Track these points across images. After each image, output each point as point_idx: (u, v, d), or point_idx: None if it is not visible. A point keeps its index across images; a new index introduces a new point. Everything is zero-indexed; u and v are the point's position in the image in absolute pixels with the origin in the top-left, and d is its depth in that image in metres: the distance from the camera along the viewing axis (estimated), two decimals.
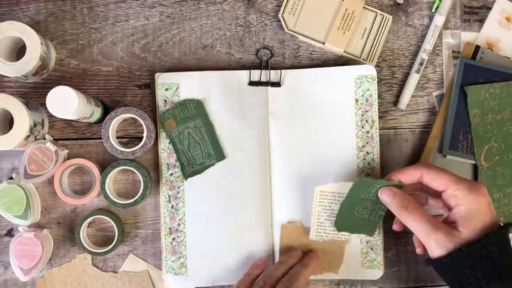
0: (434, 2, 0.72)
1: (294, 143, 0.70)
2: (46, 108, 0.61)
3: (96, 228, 0.70)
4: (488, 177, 0.68)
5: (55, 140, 0.70)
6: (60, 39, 0.71)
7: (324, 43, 0.70)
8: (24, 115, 0.63)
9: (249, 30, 0.72)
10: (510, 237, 0.57)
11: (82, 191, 0.71)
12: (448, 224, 0.57)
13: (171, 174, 0.69)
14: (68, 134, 0.71)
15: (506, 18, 0.72)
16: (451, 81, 0.71)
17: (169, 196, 0.69)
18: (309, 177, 0.69)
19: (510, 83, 0.68)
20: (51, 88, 0.61)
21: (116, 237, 0.68)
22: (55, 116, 0.61)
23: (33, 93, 0.70)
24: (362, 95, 0.70)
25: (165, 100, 0.69)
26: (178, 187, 0.69)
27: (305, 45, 0.72)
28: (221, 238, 0.69)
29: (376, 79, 0.70)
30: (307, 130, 0.70)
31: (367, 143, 0.70)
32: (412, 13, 0.72)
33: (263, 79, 0.70)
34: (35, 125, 0.65)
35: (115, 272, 0.70)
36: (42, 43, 0.64)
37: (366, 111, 0.70)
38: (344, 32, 0.70)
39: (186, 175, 0.69)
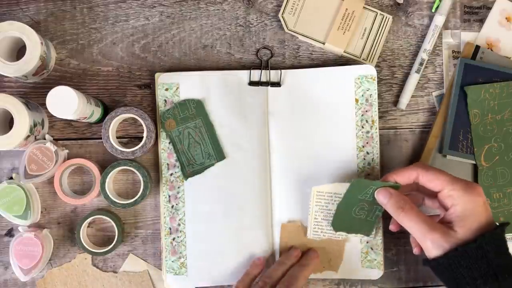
0: (434, 2, 0.72)
1: (294, 143, 0.70)
2: (46, 108, 0.61)
3: (96, 228, 0.70)
4: (488, 177, 0.68)
5: (55, 140, 0.70)
6: (60, 39, 0.71)
7: (324, 43, 0.70)
8: (24, 115, 0.63)
9: (249, 30, 0.72)
10: (506, 236, 0.57)
11: (82, 191, 0.71)
12: (444, 224, 0.57)
13: (171, 174, 0.69)
14: (68, 134, 0.71)
15: (506, 18, 0.72)
16: (451, 81, 0.71)
17: (169, 196, 0.69)
18: (309, 177, 0.69)
19: (510, 83, 0.68)
20: (51, 88, 0.61)
21: (116, 237, 0.68)
22: (55, 116, 0.61)
23: (33, 93, 0.70)
24: (362, 95, 0.70)
25: (165, 100, 0.69)
26: (178, 187, 0.69)
27: (305, 45, 0.72)
28: (221, 238, 0.69)
29: (376, 79, 0.70)
30: (307, 130, 0.70)
31: (367, 143, 0.70)
32: (412, 13, 0.72)
33: (263, 79, 0.70)
34: (35, 125, 0.65)
35: (115, 272, 0.70)
36: (42, 43, 0.64)
37: (366, 111, 0.70)
38: (344, 32, 0.70)
39: (186, 175, 0.69)
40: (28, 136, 0.64)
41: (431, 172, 0.59)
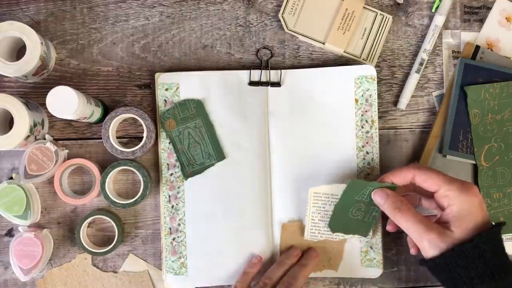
0: (434, 2, 0.72)
1: (294, 143, 0.70)
2: (46, 108, 0.61)
3: (96, 228, 0.70)
4: (488, 177, 0.68)
5: (55, 140, 0.70)
6: (60, 39, 0.71)
7: (324, 43, 0.70)
8: (24, 115, 0.63)
9: (249, 30, 0.72)
10: (503, 236, 0.57)
11: (82, 191, 0.71)
12: (440, 224, 0.57)
13: (171, 174, 0.69)
14: (68, 134, 0.71)
15: (506, 18, 0.72)
16: (451, 81, 0.71)
17: (169, 196, 0.69)
18: (308, 176, 0.69)
19: (510, 83, 0.68)
20: (51, 88, 0.61)
21: (116, 237, 0.68)
22: (55, 116, 0.61)
23: (33, 93, 0.70)
24: (362, 95, 0.70)
25: (165, 100, 0.69)
26: (178, 187, 0.69)
27: (305, 45, 0.72)
28: (221, 238, 0.69)
29: (376, 79, 0.70)
30: (307, 130, 0.70)
31: (366, 143, 0.70)
32: (412, 13, 0.72)
33: (263, 79, 0.70)
34: (35, 125, 0.65)
35: (115, 272, 0.70)
36: (42, 43, 0.64)
37: (366, 111, 0.70)
38: (344, 32, 0.70)
39: (186, 175, 0.69)
40: (28, 136, 0.64)
41: (426, 172, 0.59)
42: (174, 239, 0.69)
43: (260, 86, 0.70)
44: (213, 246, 0.69)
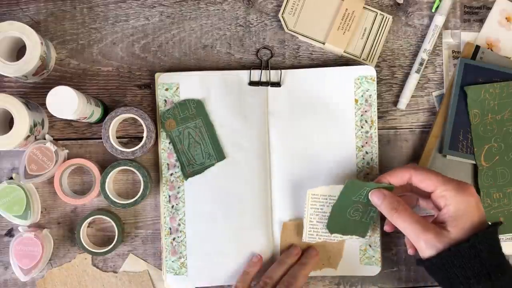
0: (434, 2, 0.72)
1: (294, 143, 0.70)
2: (46, 108, 0.61)
3: (96, 228, 0.70)
4: (488, 177, 0.68)
5: (55, 140, 0.70)
6: (60, 39, 0.71)
7: (324, 43, 0.70)
8: (24, 115, 0.63)
9: (249, 30, 0.72)
10: (502, 236, 0.57)
11: (82, 191, 0.71)
12: (437, 224, 0.57)
13: (171, 174, 0.69)
14: (68, 134, 0.71)
15: (506, 18, 0.72)
16: (451, 81, 0.71)
17: (169, 196, 0.69)
18: (308, 176, 0.69)
19: (510, 83, 0.68)
20: (51, 88, 0.61)
21: (116, 237, 0.68)
22: (55, 116, 0.61)
23: (33, 93, 0.70)
24: (362, 96, 0.70)
25: (165, 100, 0.69)
26: (178, 187, 0.69)
27: (305, 45, 0.72)
28: (221, 238, 0.69)
29: (375, 79, 0.70)
30: (307, 129, 0.70)
31: (366, 143, 0.70)
32: (412, 13, 0.72)
33: (263, 79, 0.70)
34: (35, 125, 0.65)
35: (115, 272, 0.70)
36: (42, 43, 0.64)
37: (366, 111, 0.70)
38: (344, 32, 0.70)
39: (186, 175, 0.69)
40: (28, 136, 0.64)
41: (423, 172, 0.59)
42: (174, 239, 0.69)
43: (260, 86, 0.70)
44: (213, 246, 0.69)
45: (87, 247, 0.68)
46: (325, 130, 0.70)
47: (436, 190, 0.58)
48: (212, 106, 0.69)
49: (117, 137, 0.70)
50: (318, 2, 0.70)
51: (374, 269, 0.70)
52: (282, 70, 0.70)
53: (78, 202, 0.68)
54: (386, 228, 0.66)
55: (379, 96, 0.71)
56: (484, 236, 0.55)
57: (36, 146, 0.65)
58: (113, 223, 0.68)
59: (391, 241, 0.71)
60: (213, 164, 0.69)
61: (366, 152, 0.70)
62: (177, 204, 0.69)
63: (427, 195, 0.60)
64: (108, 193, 0.67)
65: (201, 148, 0.69)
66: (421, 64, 0.71)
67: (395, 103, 0.72)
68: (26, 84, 0.70)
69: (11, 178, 0.68)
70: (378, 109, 0.71)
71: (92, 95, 0.70)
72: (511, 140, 0.68)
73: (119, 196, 0.70)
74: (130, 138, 0.71)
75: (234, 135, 0.69)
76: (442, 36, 0.72)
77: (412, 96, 0.72)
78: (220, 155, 0.69)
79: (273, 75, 0.70)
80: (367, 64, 0.70)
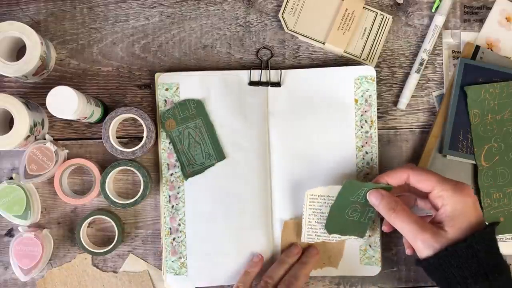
0: (434, 2, 0.72)
1: (294, 143, 0.70)
2: (46, 108, 0.61)
3: (96, 228, 0.70)
4: (488, 177, 0.68)
5: (55, 140, 0.70)
6: (60, 39, 0.71)
7: (324, 43, 0.70)
8: (24, 115, 0.63)
9: (249, 30, 0.72)
10: (500, 236, 0.57)
11: (82, 191, 0.71)
12: (435, 224, 0.58)
13: (171, 174, 0.69)
14: (68, 134, 0.71)
15: (506, 18, 0.72)
16: (451, 81, 0.71)
17: (169, 196, 0.69)
18: (308, 176, 0.69)
19: (510, 83, 0.68)
20: (51, 88, 0.61)
21: (116, 237, 0.68)
22: (55, 116, 0.61)
23: (33, 93, 0.70)
24: (362, 96, 0.70)
25: (165, 100, 0.69)
26: (178, 187, 0.69)
27: (305, 45, 0.72)
28: (221, 238, 0.69)
29: (375, 79, 0.70)
30: (307, 129, 0.70)
31: (366, 143, 0.70)
32: (412, 13, 0.72)
33: (263, 79, 0.70)
34: (35, 125, 0.65)
35: (115, 272, 0.70)
36: (42, 43, 0.64)
37: (365, 111, 0.70)
38: (344, 32, 0.70)
39: (186, 175, 0.69)
40: (28, 136, 0.64)
41: (420, 172, 0.60)
42: (174, 239, 0.69)
43: (260, 86, 0.70)
44: (213, 246, 0.69)
45: (87, 247, 0.68)
46: (325, 130, 0.70)
47: (434, 190, 0.58)
48: (212, 106, 0.69)
49: (117, 137, 0.70)
50: (318, 2, 0.70)
51: (374, 269, 0.70)
52: (282, 70, 0.70)
53: (78, 202, 0.68)
54: (384, 228, 0.66)
55: (379, 96, 0.71)
56: (481, 236, 0.55)
57: (36, 146, 0.65)
58: (113, 223, 0.68)
59: (391, 241, 0.71)
60: (213, 164, 0.69)
61: (366, 152, 0.70)
62: (177, 204, 0.69)
63: (425, 195, 0.60)
64: (108, 193, 0.67)
65: (201, 148, 0.69)
66: (421, 64, 0.71)
67: (395, 103, 0.72)
68: (26, 84, 0.70)
69: (11, 178, 0.68)
70: (378, 109, 0.71)
71: (92, 95, 0.70)
72: (511, 140, 0.68)
73: (119, 196, 0.70)
74: (130, 138, 0.71)
75: (234, 135, 0.69)
76: (442, 36, 0.72)
77: (412, 96, 0.72)
78: (220, 155, 0.69)
79: (273, 75, 0.70)
80: (367, 64, 0.70)
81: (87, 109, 0.64)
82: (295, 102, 0.70)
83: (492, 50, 0.71)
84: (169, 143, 0.69)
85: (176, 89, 0.69)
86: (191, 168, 0.69)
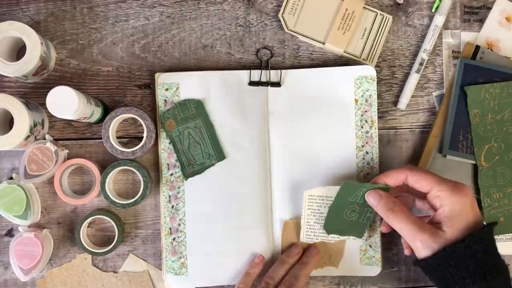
0: (434, 2, 0.72)
1: (294, 143, 0.70)
2: (46, 108, 0.61)
3: (96, 228, 0.70)
4: (488, 177, 0.68)
5: (55, 140, 0.70)
6: (60, 39, 0.71)
7: (324, 43, 0.70)
8: (24, 115, 0.63)
9: (249, 30, 0.72)
10: (500, 236, 0.57)
11: (82, 191, 0.71)
12: (433, 224, 0.58)
13: (171, 174, 0.69)
14: (68, 134, 0.71)
15: (506, 18, 0.72)
16: (451, 81, 0.71)
17: (169, 196, 0.69)
18: (308, 176, 0.69)
19: (510, 83, 0.68)
20: (51, 88, 0.61)
21: (116, 237, 0.68)
22: (55, 116, 0.61)
23: (33, 93, 0.70)
24: (362, 96, 0.70)
25: (165, 100, 0.69)
26: (178, 187, 0.69)
27: (305, 45, 0.72)
28: (221, 238, 0.69)
29: (375, 79, 0.70)
30: (307, 129, 0.70)
31: (366, 143, 0.70)
32: (412, 13, 0.72)
33: (263, 79, 0.70)
34: (35, 125, 0.65)
35: (115, 272, 0.70)
36: (42, 43, 0.64)
37: (366, 111, 0.70)
38: (344, 32, 0.70)
39: (186, 175, 0.69)
40: (28, 136, 0.64)
41: (418, 173, 0.60)
42: (174, 239, 0.69)
43: (260, 86, 0.70)
44: (213, 246, 0.69)
45: (87, 247, 0.68)
46: (325, 130, 0.70)
47: (432, 191, 0.58)
48: (212, 106, 0.69)
49: (117, 137, 0.70)
50: (318, 2, 0.70)
51: (374, 269, 0.70)
52: (282, 70, 0.70)
53: (78, 202, 0.68)
54: (383, 228, 0.66)
55: (379, 96, 0.71)
56: (479, 236, 0.55)
57: (36, 146, 0.65)
58: (113, 223, 0.68)
59: (391, 241, 0.71)
60: (213, 164, 0.69)
61: (366, 152, 0.70)
62: (177, 204, 0.69)
63: (423, 196, 0.61)
64: (108, 193, 0.67)
65: (201, 148, 0.69)
66: (421, 64, 0.71)
67: (395, 103, 0.72)
68: (26, 84, 0.70)
69: (11, 178, 0.68)
70: (378, 109, 0.71)
71: (92, 95, 0.70)
72: (511, 140, 0.68)
73: (119, 196, 0.70)
74: (130, 138, 0.71)
75: (234, 135, 0.69)
76: (442, 36, 0.72)
77: (412, 96, 0.72)
78: (220, 155, 0.69)
79: (273, 75, 0.70)
80: (367, 64, 0.70)
81: (87, 109, 0.64)
82: (295, 102, 0.70)
83: (492, 50, 0.71)
84: (169, 143, 0.69)
85: (176, 89, 0.69)
86: (191, 168, 0.69)
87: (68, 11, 0.71)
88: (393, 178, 0.61)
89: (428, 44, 0.71)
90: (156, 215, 0.71)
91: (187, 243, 0.69)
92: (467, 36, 0.72)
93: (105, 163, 0.69)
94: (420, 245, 0.56)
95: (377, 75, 0.70)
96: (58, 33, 0.71)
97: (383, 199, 0.60)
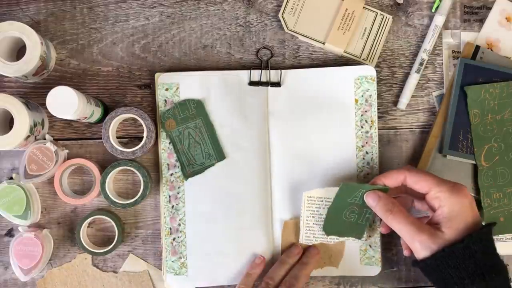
0: (434, 2, 0.72)
1: (294, 143, 0.70)
2: (46, 108, 0.61)
3: (96, 228, 0.70)
4: (488, 177, 0.68)
5: (55, 140, 0.70)
6: (60, 39, 0.71)
7: (324, 43, 0.70)
8: (24, 115, 0.63)
9: (249, 30, 0.72)
10: (499, 236, 0.57)
11: (82, 191, 0.71)
12: (432, 225, 0.58)
13: (171, 174, 0.69)
14: (68, 134, 0.71)
15: (506, 18, 0.72)
16: (451, 81, 0.71)
17: (169, 196, 0.69)
18: (308, 176, 0.69)
19: (510, 83, 0.68)
20: (51, 88, 0.61)
21: (116, 237, 0.68)
22: (55, 116, 0.61)
23: (33, 93, 0.70)
24: (362, 96, 0.70)
25: (165, 100, 0.69)
26: (178, 187, 0.69)
27: (305, 45, 0.72)
28: (221, 238, 0.69)
29: (375, 79, 0.70)
30: (307, 129, 0.70)
31: (366, 143, 0.70)
32: (412, 13, 0.72)
33: (263, 79, 0.70)
34: (35, 125, 0.65)
35: (115, 272, 0.70)
36: (42, 43, 0.64)
37: (366, 111, 0.70)
38: (344, 32, 0.70)
39: (186, 175, 0.69)
40: (28, 136, 0.64)
41: (417, 174, 0.60)
42: (174, 239, 0.69)
43: (260, 86, 0.70)
44: (213, 246, 0.69)
45: (87, 247, 0.68)
46: (325, 130, 0.70)
47: (430, 192, 0.58)
48: (212, 106, 0.69)
49: (117, 137, 0.70)
50: (318, 2, 0.70)
51: (374, 269, 0.70)
52: (282, 70, 0.70)
53: (78, 202, 0.68)
54: (382, 229, 0.66)
55: (379, 96, 0.71)
56: (478, 236, 0.55)
57: (36, 146, 0.65)
58: (113, 223, 0.68)
59: (391, 241, 0.71)
60: (213, 164, 0.69)
61: (366, 152, 0.70)
62: (177, 204, 0.69)
63: (422, 197, 0.61)
64: (108, 193, 0.67)
65: (201, 148, 0.69)
66: (421, 64, 0.71)
67: (395, 103, 0.72)
68: (26, 84, 0.70)
69: (11, 178, 0.68)
70: (378, 109, 0.71)
71: (92, 95, 0.70)
72: (511, 140, 0.68)
73: (119, 196, 0.70)
74: (130, 138, 0.71)
75: (234, 135, 0.69)
76: (442, 36, 0.72)
77: (412, 96, 0.72)
78: (220, 155, 0.69)
79: (273, 75, 0.70)
80: (367, 64, 0.70)
81: (87, 109, 0.64)
82: (295, 102, 0.70)
83: (492, 50, 0.71)
84: (169, 143, 0.69)
85: (176, 89, 0.69)
86: (191, 168, 0.69)
87: (68, 11, 0.71)
88: (392, 179, 0.62)
89: (428, 44, 0.71)
90: (156, 215, 0.71)
91: (187, 243, 0.69)
92: (467, 36, 0.72)
93: (105, 163, 0.69)
94: (419, 246, 0.56)
95: (377, 75, 0.70)
96: (58, 33, 0.71)
97: (382, 200, 0.60)
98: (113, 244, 0.68)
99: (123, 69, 0.71)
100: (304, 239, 0.68)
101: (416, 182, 0.60)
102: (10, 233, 0.70)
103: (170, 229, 0.69)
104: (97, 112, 0.67)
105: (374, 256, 0.69)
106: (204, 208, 0.69)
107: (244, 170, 0.69)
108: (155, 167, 0.70)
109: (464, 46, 0.71)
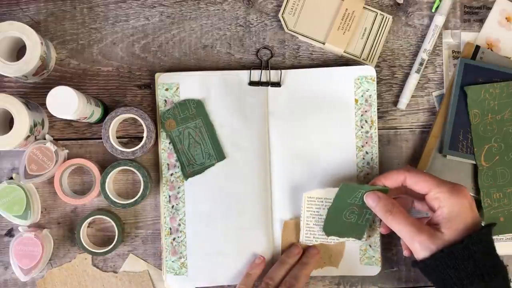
0: (434, 2, 0.72)
1: (294, 143, 0.70)
2: (46, 108, 0.61)
3: (96, 228, 0.70)
4: (488, 177, 0.68)
5: (55, 140, 0.70)
6: (60, 39, 0.71)
7: (324, 43, 0.70)
8: (24, 115, 0.63)
9: (249, 30, 0.72)
10: (499, 236, 0.57)
11: (82, 191, 0.71)
12: (432, 226, 0.58)
13: (171, 174, 0.69)
14: (68, 134, 0.71)
15: (506, 18, 0.72)
16: (451, 81, 0.71)
17: (169, 196, 0.69)
18: (308, 176, 0.69)
19: (510, 83, 0.68)
20: (51, 88, 0.61)
21: (116, 237, 0.68)
22: (55, 116, 0.61)
23: (33, 93, 0.70)
24: (362, 96, 0.70)
25: (165, 100, 0.69)
26: (178, 187, 0.69)
27: (305, 45, 0.72)
28: (221, 238, 0.69)
29: (375, 79, 0.70)
30: (307, 129, 0.70)
31: (366, 143, 0.70)
32: (412, 13, 0.72)
33: (263, 79, 0.70)
34: (35, 125, 0.65)
35: (115, 272, 0.70)
36: (42, 43, 0.64)
37: (366, 111, 0.70)
38: (344, 32, 0.70)
39: (186, 175, 0.69)
40: (28, 136, 0.64)
41: (417, 174, 0.60)
42: (174, 239, 0.69)
43: (260, 86, 0.70)
44: (213, 246, 0.69)
45: (87, 247, 0.68)
46: (325, 130, 0.70)
47: (430, 192, 0.58)
48: (212, 106, 0.69)
49: (117, 137, 0.70)
50: (318, 2, 0.70)
51: (374, 269, 0.70)
52: (282, 70, 0.70)
53: (78, 202, 0.68)
54: (382, 230, 0.66)
55: (379, 96, 0.71)
56: (477, 237, 0.55)
57: (36, 146, 0.65)
58: (113, 223, 0.68)
59: (391, 241, 0.71)
60: (213, 164, 0.69)
61: (366, 152, 0.70)
62: (177, 204, 0.69)
63: (421, 197, 0.61)
64: (108, 193, 0.67)
65: (201, 148, 0.69)
66: (421, 64, 0.71)
67: (395, 103, 0.72)
68: (26, 84, 0.70)
69: (11, 178, 0.68)
70: (378, 109, 0.71)
71: (92, 95, 0.70)
72: (511, 140, 0.68)
73: (119, 196, 0.70)
74: (130, 138, 0.71)
75: (234, 135, 0.69)
76: (442, 36, 0.72)
77: (412, 96, 0.72)
78: (220, 155, 0.69)
79: (273, 75, 0.70)
80: (367, 64, 0.70)
81: (87, 109, 0.64)
82: (295, 102, 0.70)
83: (492, 50, 0.71)
84: (169, 143, 0.69)
85: (176, 89, 0.69)
86: (191, 168, 0.69)
87: (68, 11, 0.71)
88: (392, 180, 0.62)
89: (428, 44, 0.71)
90: (156, 215, 0.71)
91: (187, 243, 0.69)
92: (467, 36, 0.72)
93: (105, 163, 0.69)
94: (419, 246, 0.56)
95: (377, 75, 0.70)
96: (58, 33, 0.71)
97: (382, 201, 0.60)
98: (113, 244, 0.68)
99: (123, 69, 0.71)
100: (304, 240, 0.68)
101: (416, 183, 0.60)
102: (10, 233, 0.70)
103: (170, 229, 0.69)
104: (97, 112, 0.67)
105: (374, 256, 0.70)
106: (204, 208, 0.69)
107: (244, 170, 0.69)
108: (155, 167, 0.70)
109: (464, 46, 0.71)
